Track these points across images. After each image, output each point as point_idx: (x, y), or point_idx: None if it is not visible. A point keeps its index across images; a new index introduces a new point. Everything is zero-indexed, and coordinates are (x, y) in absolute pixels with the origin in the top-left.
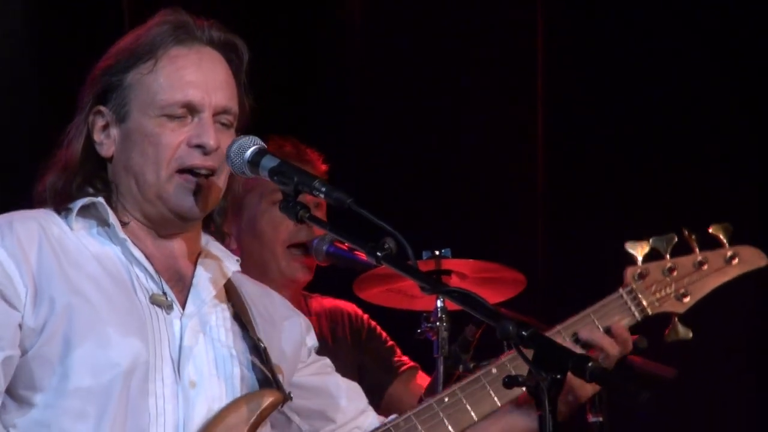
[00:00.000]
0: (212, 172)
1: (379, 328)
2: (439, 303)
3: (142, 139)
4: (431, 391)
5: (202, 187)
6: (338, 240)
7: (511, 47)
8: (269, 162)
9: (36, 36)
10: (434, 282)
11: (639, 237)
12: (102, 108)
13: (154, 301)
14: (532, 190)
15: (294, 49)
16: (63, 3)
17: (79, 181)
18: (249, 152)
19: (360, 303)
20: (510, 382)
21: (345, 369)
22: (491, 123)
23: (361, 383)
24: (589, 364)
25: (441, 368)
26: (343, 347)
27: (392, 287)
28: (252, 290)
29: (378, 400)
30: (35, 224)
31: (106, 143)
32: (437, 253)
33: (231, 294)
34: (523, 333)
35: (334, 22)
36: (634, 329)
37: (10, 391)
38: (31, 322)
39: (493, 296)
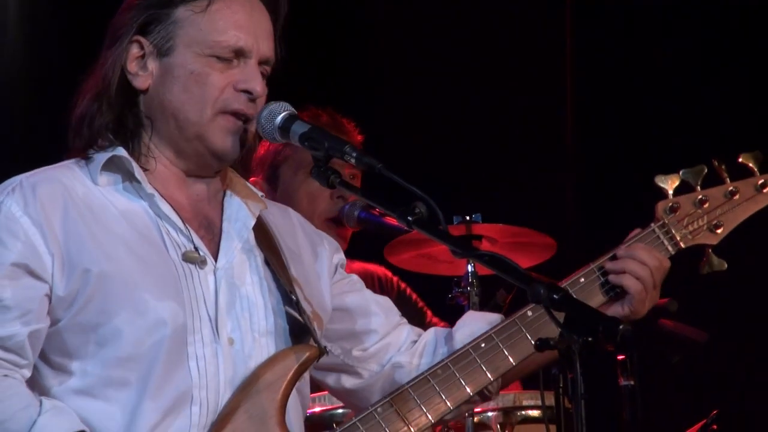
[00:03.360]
0: (249, 120)
1: (409, 289)
2: (469, 268)
3: (187, 76)
4: None
5: (241, 130)
6: (370, 205)
7: (540, 9)
8: (300, 127)
9: None
10: (465, 246)
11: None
12: (141, 38)
13: (186, 258)
14: (563, 155)
15: (321, 13)
16: None
17: (109, 118)
18: (280, 118)
19: (391, 268)
20: (542, 345)
21: None
22: (521, 87)
23: None
24: (620, 327)
25: None
26: None
27: (423, 252)
28: (278, 221)
29: None
30: (59, 187)
31: (142, 75)
32: (468, 218)
33: (259, 233)
34: (555, 296)
35: None
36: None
37: (44, 357)
38: (61, 291)
39: (523, 261)
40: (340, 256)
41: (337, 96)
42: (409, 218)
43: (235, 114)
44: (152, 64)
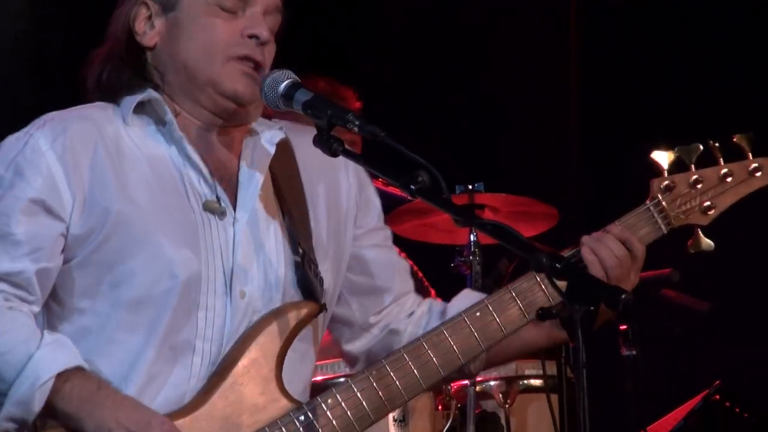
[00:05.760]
0: (260, 66)
1: (404, 255)
2: (472, 237)
3: (193, 26)
4: None
5: (253, 73)
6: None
7: None
8: (303, 95)
9: None
10: (468, 214)
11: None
12: (147, 0)
13: (207, 208)
14: (566, 124)
15: None
16: None
17: (130, 74)
18: (283, 86)
19: (393, 237)
20: (544, 314)
21: None
22: (524, 56)
23: None
24: (623, 296)
25: None
26: None
27: (425, 222)
28: (299, 146)
29: None
30: (91, 125)
31: (149, 33)
32: (470, 187)
33: (280, 168)
34: (557, 265)
35: None
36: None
37: (54, 296)
38: (77, 229)
39: (525, 230)
40: (376, 203)
41: (340, 62)
42: (412, 187)
43: (245, 58)
44: (158, 21)
